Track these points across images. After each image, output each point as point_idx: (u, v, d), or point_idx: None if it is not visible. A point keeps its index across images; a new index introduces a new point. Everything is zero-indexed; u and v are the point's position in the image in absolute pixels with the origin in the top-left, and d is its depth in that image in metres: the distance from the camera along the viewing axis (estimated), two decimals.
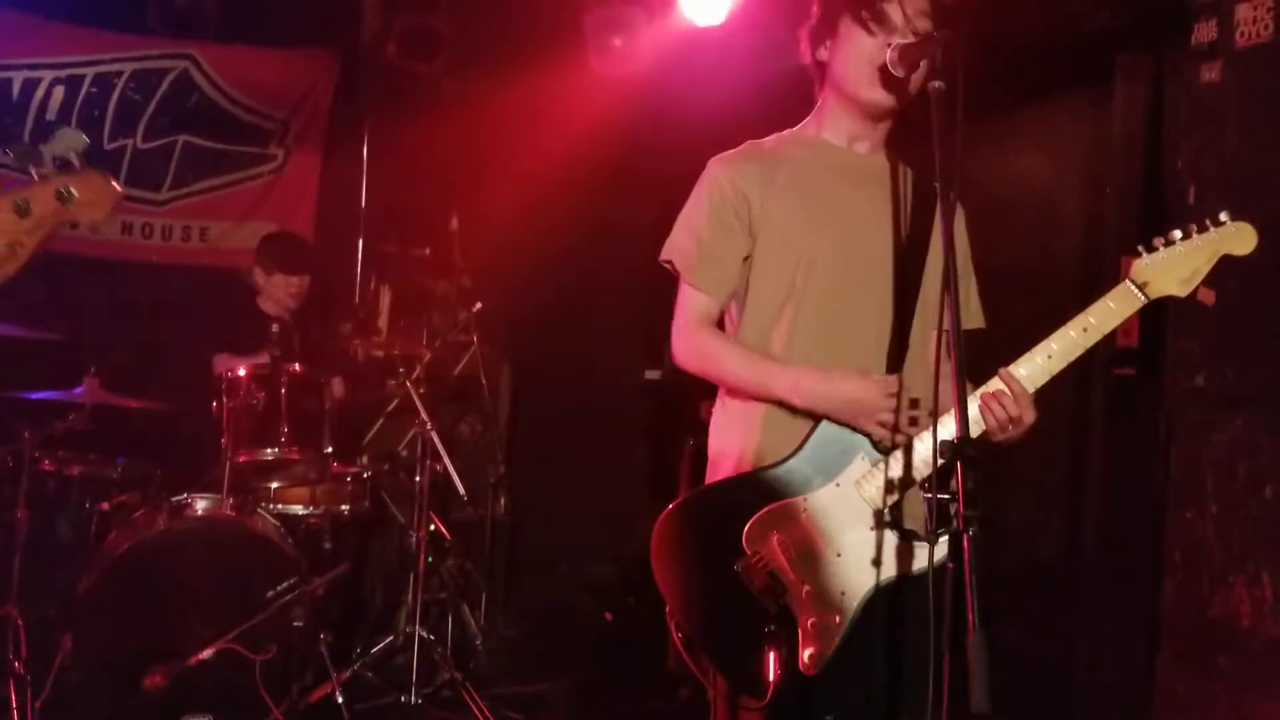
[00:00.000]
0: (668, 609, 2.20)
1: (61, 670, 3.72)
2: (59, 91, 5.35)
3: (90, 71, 5.42)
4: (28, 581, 3.94)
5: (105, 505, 4.14)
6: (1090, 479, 4.06)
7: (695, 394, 4.77)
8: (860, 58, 2.22)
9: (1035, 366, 2.09)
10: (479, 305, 5.13)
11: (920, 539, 2.08)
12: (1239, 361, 3.16)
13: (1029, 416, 2.07)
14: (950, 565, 1.74)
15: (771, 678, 2.04)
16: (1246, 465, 3.14)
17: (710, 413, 2.39)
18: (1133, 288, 2.11)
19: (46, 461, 4.18)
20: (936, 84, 2.02)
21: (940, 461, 1.95)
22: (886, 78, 2.18)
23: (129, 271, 5.54)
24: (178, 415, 4.49)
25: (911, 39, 2.15)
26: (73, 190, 1.87)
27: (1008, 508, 4.21)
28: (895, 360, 2.23)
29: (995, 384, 2.09)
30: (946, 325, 1.90)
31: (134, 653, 3.65)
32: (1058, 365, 2.09)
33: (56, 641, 3.77)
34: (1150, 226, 3.80)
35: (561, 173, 5.59)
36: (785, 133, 2.41)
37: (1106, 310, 2.10)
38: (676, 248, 2.34)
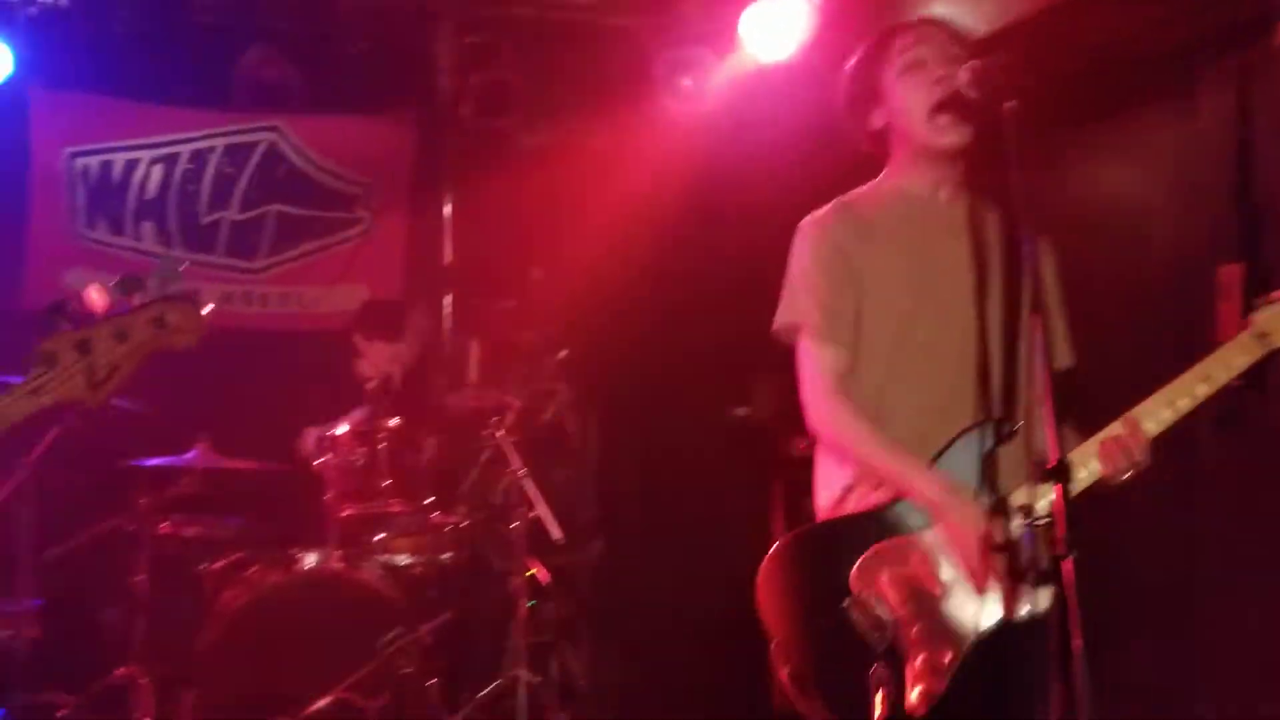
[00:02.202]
0: (773, 645, 2.19)
1: None
2: (157, 171, 5.57)
3: (185, 149, 5.63)
4: (150, 642, 4.08)
5: (219, 564, 4.27)
6: (1201, 498, 3.94)
7: (785, 429, 4.76)
8: (923, 105, 2.20)
9: (1155, 418, 2.10)
10: (565, 352, 5.19)
11: (1025, 577, 2.06)
12: None
13: (1145, 461, 2.10)
14: (1054, 590, 1.73)
15: (877, 717, 2.02)
16: None
17: (805, 450, 2.39)
18: (1253, 338, 2.10)
19: (163, 526, 4.34)
20: (1010, 103, 1.97)
21: (1040, 485, 1.94)
22: (959, 111, 2.15)
23: (232, 339, 5.71)
24: (284, 474, 4.62)
25: (954, 69, 2.13)
26: (168, 319, 1.99)
27: (1117, 533, 4.10)
28: (1007, 403, 2.21)
29: (1117, 428, 2.10)
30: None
31: (253, 705, 3.75)
32: (1173, 417, 2.10)
33: (179, 700, 3.89)
34: (1246, 237, 3.73)
35: (640, 215, 5.64)
36: (865, 188, 2.40)
37: (1227, 362, 2.10)
38: (797, 310, 2.30)
